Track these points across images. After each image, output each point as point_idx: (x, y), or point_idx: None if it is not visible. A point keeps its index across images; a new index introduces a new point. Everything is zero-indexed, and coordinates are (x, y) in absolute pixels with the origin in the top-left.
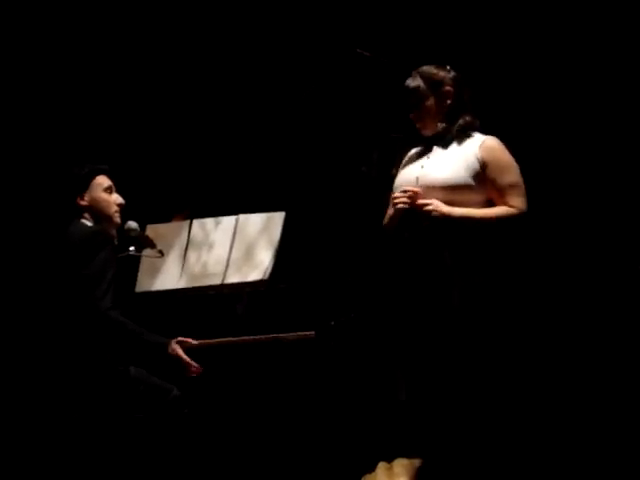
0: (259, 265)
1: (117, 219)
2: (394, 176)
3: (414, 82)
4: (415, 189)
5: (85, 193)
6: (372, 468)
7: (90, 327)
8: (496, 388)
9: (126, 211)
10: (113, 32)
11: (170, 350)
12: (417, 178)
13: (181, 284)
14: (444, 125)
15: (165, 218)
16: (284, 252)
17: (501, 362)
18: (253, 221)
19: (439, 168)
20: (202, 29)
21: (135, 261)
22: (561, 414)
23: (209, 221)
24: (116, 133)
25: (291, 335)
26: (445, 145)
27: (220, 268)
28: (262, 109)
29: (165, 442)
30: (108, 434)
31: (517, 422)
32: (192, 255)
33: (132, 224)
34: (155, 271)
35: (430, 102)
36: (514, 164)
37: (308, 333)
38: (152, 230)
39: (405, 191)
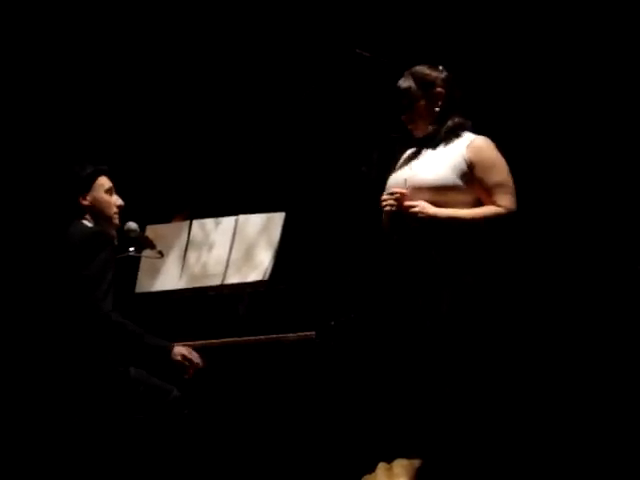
0: (259, 266)
1: (117, 220)
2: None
3: (405, 83)
4: (402, 191)
5: (87, 193)
6: (372, 468)
7: (90, 328)
8: (493, 388)
9: (126, 212)
10: (113, 33)
11: (173, 355)
12: (405, 180)
13: (181, 285)
14: (434, 126)
15: (165, 219)
16: (284, 252)
17: (495, 362)
18: (253, 222)
19: (427, 169)
20: (202, 30)
21: (135, 262)
22: (558, 413)
23: (209, 222)
24: (116, 134)
25: (291, 335)
26: (434, 146)
27: (220, 269)
28: (262, 109)
29: (165, 443)
30: (108, 435)
31: (515, 422)
32: (192, 256)
33: (132, 225)
34: (155, 272)
35: (421, 103)
36: (502, 163)
37: (308, 333)
38: (152, 231)
39: (392, 193)
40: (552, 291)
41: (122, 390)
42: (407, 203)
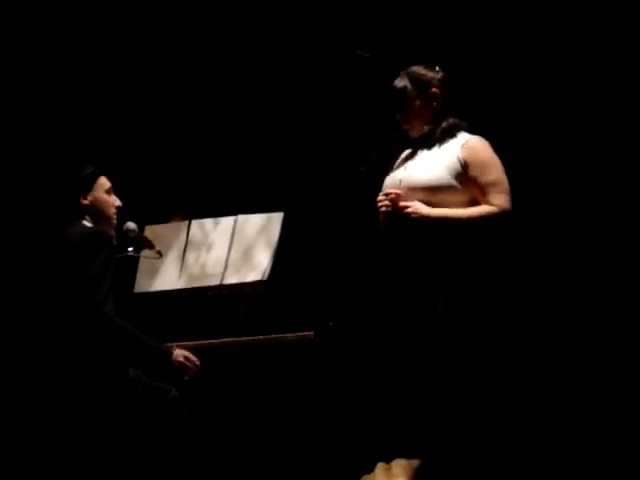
0: (258, 266)
1: (115, 220)
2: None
3: (401, 83)
4: (396, 191)
5: (88, 193)
6: (371, 469)
7: (91, 330)
8: (489, 387)
9: (125, 212)
10: (113, 33)
11: (174, 357)
12: (400, 180)
13: (180, 285)
14: (430, 127)
15: (164, 219)
16: (283, 253)
17: (490, 362)
18: (252, 222)
19: (421, 170)
20: (202, 30)
21: (134, 262)
22: (557, 414)
23: (208, 222)
24: (115, 134)
25: (290, 335)
26: (429, 147)
27: (219, 269)
28: (261, 110)
29: (164, 443)
30: (107, 435)
31: (514, 422)
32: (191, 256)
33: (131, 225)
34: (154, 272)
35: (416, 103)
36: (496, 162)
37: (307, 333)
38: (151, 231)
39: (387, 194)
40: (549, 291)
41: (121, 390)
42: (401, 203)
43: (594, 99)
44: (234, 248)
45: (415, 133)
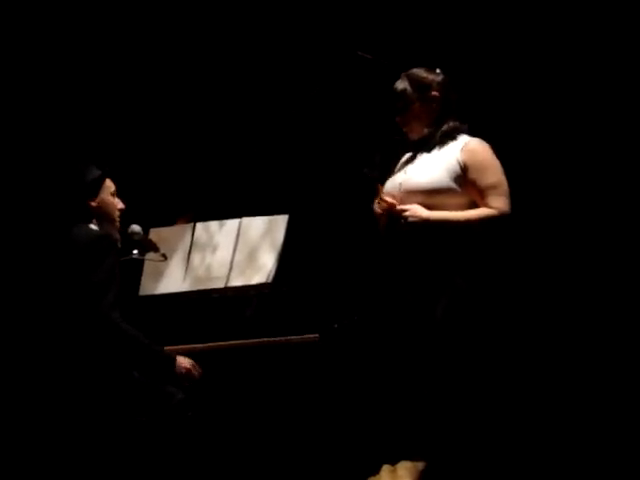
0: (262, 268)
1: (119, 223)
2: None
3: (401, 85)
4: (391, 201)
5: (96, 196)
6: (376, 471)
7: (96, 334)
8: (493, 390)
9: (130, 215)
10: (116, 36)
11: (177, 366)
12: (400, 184)
13: (184, 287)
14: (430, 130)
15: (168, 221)
16: (287, 255)
17: (492, 364)
18: (256, 224)
19: (421, 173)
20: (205, 33)
21: (138, 265)
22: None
23: (212, 224)
24: (119, 137)
25: (295, 338)
26: (429, 150)
27: (223, 271)
28: (265, 112)
29: (169, 445)
30: (113, 438)
31: (516, 423)
32: (195, 258)
33: (135, 228)
34: (158, 274)
35: (416, 106)
36: (496, 165)
37: (312, 336)
38: (155, 234)
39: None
40: (548, 294)
41: (126, 393)
42: (399, 207)
43: (594, 101)
44: (239, 250)
45: (415, 135)
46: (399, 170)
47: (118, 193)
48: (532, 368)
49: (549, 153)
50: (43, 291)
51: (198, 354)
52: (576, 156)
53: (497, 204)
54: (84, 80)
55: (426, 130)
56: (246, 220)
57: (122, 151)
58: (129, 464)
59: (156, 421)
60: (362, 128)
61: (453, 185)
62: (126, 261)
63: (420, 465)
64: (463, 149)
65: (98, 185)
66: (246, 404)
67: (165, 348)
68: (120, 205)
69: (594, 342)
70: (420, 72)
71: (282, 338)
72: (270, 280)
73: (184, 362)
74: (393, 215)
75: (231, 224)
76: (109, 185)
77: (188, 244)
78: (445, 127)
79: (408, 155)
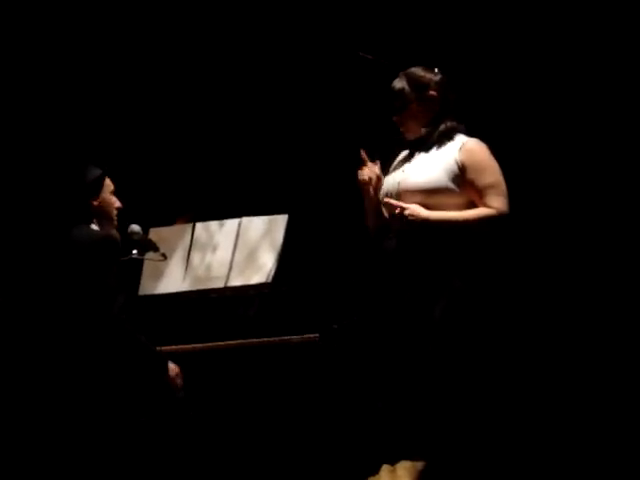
0: (262, 268)
1: (116, 222)
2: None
3: (399, 84)
4: (395, 203)
5: (98, 196)
6: (376, 471)
7: (101, 336)
8: (492, 390)
9: (130, 215)
10: (116, 36)
11: (170, 371)
12: (398, 183)
13: (184, 287)
14: (427, 129)
15: (168, 221)
16: (287, 255)
17: (491, 364)
18: (256, 224)
19: (419, 172)
20: (205, 33)
21: (138, 264)
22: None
23: (212, 224)
24: (119, 136)
25: (295, 338)
26: (427, 149)
27: (223, 271)
28: (265, 112)
29: (170, 445)
30: (114, 437)
31: (515, 424)
32: (195, 258)
33: (135, 227)
34: (158, 274)
35: (414, 105)
36: (494, 165)
37: (311, 336)
38: (155, 233)
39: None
40: (547, 294)
41: (127, 392)
42: (400, 204)
43: (592, 101)
44: (238, 250)
45: (411, 135)
46: (397, 169)
47: (118, 193)
48: (531, 368)
49: (546, 153)
50: (45, 293)
51: (198, 354)
52: (574, 156)
53: (496, 204)
54: (84, 80)
55: (423, 130)
56: (246, 220)
57: (121, 151)
58: (130, 464)
59: (156, 421)
60: (362, 128)
61: (451, 185)
62: (126, 261)
63: (419, 465)
64: (461, 149)
65: (99, 184)
66: (246, 404)
67: (165, 348)
68: (117, 204)
69: (593, 342)
70: (418, 71)
71: (282, 338)
72: (270, 280)
73: (175, 369)
74: (394, 213)
75: (231, 224)
76: (109, 184)
77: (188, 244)
78: (443, 127)
79: (405, 154)
